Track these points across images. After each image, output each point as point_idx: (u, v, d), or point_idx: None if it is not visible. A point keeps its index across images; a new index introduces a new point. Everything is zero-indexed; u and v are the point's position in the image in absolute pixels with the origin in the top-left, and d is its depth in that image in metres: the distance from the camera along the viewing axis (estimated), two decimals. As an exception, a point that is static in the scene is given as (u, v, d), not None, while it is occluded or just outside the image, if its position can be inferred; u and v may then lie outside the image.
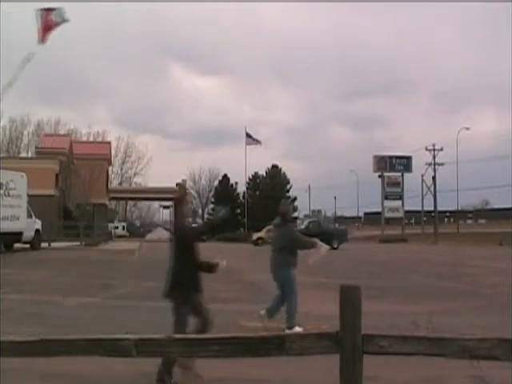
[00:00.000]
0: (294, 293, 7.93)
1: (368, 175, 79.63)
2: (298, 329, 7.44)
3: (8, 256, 21.80)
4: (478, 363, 3.03)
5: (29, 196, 26.68)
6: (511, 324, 7.15)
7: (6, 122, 73.36)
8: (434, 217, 60.24)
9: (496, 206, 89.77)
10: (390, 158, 62.75)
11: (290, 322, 7.74)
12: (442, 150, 60.14)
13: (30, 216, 26.34)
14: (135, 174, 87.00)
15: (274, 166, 76.01)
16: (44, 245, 28.28)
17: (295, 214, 75.68)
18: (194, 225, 7.49)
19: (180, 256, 5.61)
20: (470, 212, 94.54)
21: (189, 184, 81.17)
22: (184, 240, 5.61)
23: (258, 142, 66.99)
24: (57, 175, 43.91)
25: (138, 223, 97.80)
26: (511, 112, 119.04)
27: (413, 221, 77.25)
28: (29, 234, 26.15)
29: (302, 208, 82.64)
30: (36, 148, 57.90)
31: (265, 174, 76.32)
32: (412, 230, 66.12)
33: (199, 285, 5.59)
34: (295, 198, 76.56)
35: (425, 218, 64.64)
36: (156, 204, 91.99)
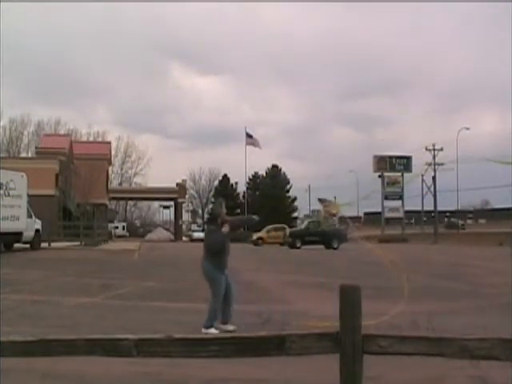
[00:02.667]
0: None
1: (368, 175, 79.58)
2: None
3: (8, 256, 21.79)
4: (477, 363, 3.03)
5: (29, 196, 26.66)
6: (511, 324, 7.15)
7: (6, 122, 73.55)
8: (434, 217, 60.25)
9: (496, 206, 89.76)
10: (390, 158, 62.78)
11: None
12: (442, 150, 60.22)
13: (30, 216, 26.32)
14: (135, 174, 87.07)
15: (274, 166, 76.07)
16: (44, 245, 28.25)
17: (295, 214, 75.88)
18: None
19: None
20: (470, 212, 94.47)
21: (189, 184, 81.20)
22: None
23: (257, 145, 66.91)
24: (57, 175, 43.85)
25: (138, 223, 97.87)
26: (511, 112, 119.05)
27: (413, 221, 77.23)
28: (29, 234, 26.13)
29: (302, 208, 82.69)
30: (36, 148, 57.84)
31: (265, 174, 76.37)
32: (412, 229, 66.13)
33: None
34: (295, 198, 76.63)
35: (425, 218, 64.64)
36: (156, 204, 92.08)
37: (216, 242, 7.86)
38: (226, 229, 7.84)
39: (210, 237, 8.05)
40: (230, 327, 7.76)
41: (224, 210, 8.17)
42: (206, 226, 8.74)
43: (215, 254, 7.88)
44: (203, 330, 7.49)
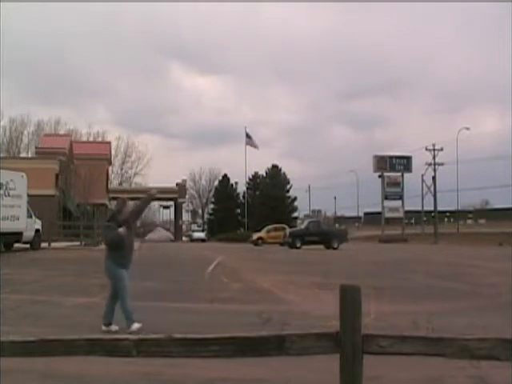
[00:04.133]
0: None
1: (368, 175, 79.69)
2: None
3: (8, 256, 21.79)
4: (477, 363, 3.03)
5: (29, 196, 26.67)
6: (511, 324, 7.15)
7: (6, 122, 73.51)
8: (434, 217, 60.20)
9: (496, 206, 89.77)
10: (390, 157, 62.72)
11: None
12: (442, 149, 60.19)
13: (30, 216, 26.32)
14: (135, 174, 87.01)
15: (274, 166, 75.97)
16: (44, 245, 28.24)
17: (295, 214, 75.85)
18: None
19: None
20: (470, 212, 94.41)
21: (189, 184, 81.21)
22: None
23: (255, 146, 66.98)
24: (57, 175, 43.87)
25: (138, 223, 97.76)
26: (511, 112, 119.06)
27: (413, 221, 77.19)
28: (29, 234, 26.13)
29: (302, 208, 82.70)
30: (36, 148, 57.90)
31: (265, 174, 76.29)
32: (412, 229, 66.10)
33: None
34: (295, 198, 76.59)
35: (425, 218, 64.60)
36: (156, 204, 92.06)
37: (112, 239, 7.94)
38: (123, 229, 7.90)
39: (106, 234, 8.18)
40: (114, 328, 7.72)
41: (128, 209, 8.17)
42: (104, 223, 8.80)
43: (115, 250, 7.95)
44: (133, 327, 7.50)
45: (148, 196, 8.67)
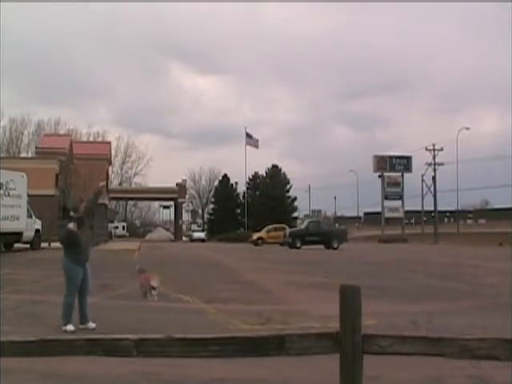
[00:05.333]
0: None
1: (368, 175, 79.63)
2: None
3: (8, 256, 21.80)
4: (477, 363, 3.03)
5: (29, 196, 26.68)
6: (511, 324, 7.15)
7: (6, 122, 73.46)
8: (434, 217, 60.19)
9: (496, 206, 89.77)
10: (390, 157, 62.69)
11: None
12: (442, 149, 60.16)
13: (30, 216, 26.34)
14: (135, 174, 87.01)
15: (274, 166, 75.94)
16: (44, 245, 28.26)
17: (295, 214, 75.81)
18: None
19: None
20: (470, 212, 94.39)
21: (189, 184, 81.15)
22: None
23: (255, 144, 66.98)
24: (57, 175, 43.86)
25: (138, 223, 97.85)
26: (511, 112, 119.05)
27: (413, 221, 77.14)
28: (29, 234, 26.15)
29: (302, 208, 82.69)
30: (36, 148, 57.85)
31: (265, 174, 76.25)
32: (412, 229, 66.08)
33: None
34: (295, 198, 76.57)
35: (425, 218, 64.60)
36: (156, 204, 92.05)
37: (64, 236, 8.07)
38: (72, 225, 7.96)
39: (59, 231, 8.43)
40: (91, 325, 7.82)
41: (83, 205, 8.27)
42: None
43: (69, 248, 8.00)
44: (62, 328, 7.60)
45: (97, 190, 9.08)
